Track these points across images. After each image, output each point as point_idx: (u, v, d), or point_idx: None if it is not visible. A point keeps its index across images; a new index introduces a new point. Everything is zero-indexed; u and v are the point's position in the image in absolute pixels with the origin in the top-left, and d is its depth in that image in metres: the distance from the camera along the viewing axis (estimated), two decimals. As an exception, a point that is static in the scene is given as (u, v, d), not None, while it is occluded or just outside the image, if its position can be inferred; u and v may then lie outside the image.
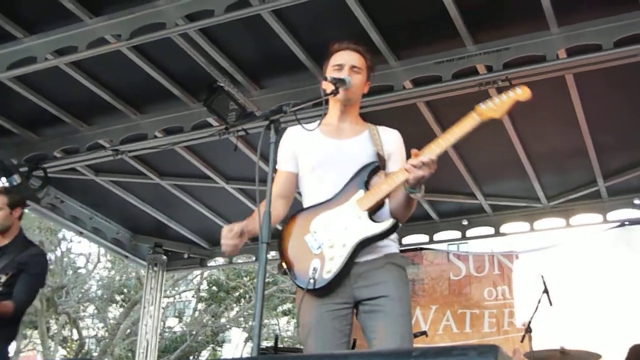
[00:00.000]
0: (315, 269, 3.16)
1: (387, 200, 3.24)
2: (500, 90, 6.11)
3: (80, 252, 25.61)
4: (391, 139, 3.46)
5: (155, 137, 7.06)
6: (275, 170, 3.45)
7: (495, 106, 3.14)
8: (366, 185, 3.25)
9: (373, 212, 3.20)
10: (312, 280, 3.14)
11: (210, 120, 6.79)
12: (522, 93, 3.16)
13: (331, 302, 3.20)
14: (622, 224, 8.59)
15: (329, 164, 3.35)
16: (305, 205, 3.38)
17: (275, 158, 3.06)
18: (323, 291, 3.18)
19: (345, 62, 3.46)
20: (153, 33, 5.58)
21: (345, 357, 2.44)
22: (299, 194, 3.52)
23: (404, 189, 3.15)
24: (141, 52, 6.20)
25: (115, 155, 7.26)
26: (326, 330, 3.19)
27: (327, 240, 3.20)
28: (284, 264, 3.28)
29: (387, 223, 3.18)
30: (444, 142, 3.11)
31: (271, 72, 6.53)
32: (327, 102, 3.38)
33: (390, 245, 3.32)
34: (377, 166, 3.28)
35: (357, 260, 3.20)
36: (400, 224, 3.23)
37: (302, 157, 3.45)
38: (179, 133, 6.98)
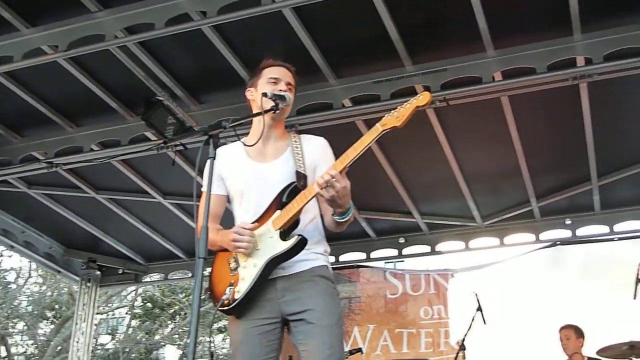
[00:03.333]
0: (228, 290, 3.20)
1: (301, 217, 3.24)
2: (437, 111, 6.28)
3: (10, 267, 25.02)
4: (315, 149, 3.45)
5: (92, 150, 6.95)
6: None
7: (398, 114, 3.13)
8: (284, 206, 3.23)
9: (288, 231, 3.20)
10: (225, 301, 3.20)
11: (148, 134, 6.71)
12: (422, 99, 3.14)
13: (256, 318, 3.22)
14: (554, 243, 8.78)
15: (252, 188, 3.36)
16: None
17: (212, 173, 3.04)
18: (234, 311, 3.24)
19: (281, 77, 3.49)
20: (91, 45, 5.50)
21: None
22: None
23: (331, 215, 3.21)
24: (79, 64, 6.11)
25: (50, 167, 7.11)
26: (253, 346, 3.21)
27: (243, 262, 3.23)
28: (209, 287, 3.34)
29: (292, 241, 3.17)
30: (350, 154, 3.10)
31: (211, 87, 6.50)
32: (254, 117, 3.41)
33: (318, 259, 3.33)
34: (295, 186, 3.26)
35: (284, 274, 3.23)
36: (307, 241, 3.19)
37: (229, 181, 3.46)
38: (115, 146, 6.88)
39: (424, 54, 5.84)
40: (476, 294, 6.73)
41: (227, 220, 3.48)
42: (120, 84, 6.46)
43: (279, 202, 3.24)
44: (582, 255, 8.71)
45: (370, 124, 6.57)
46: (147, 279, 10.96)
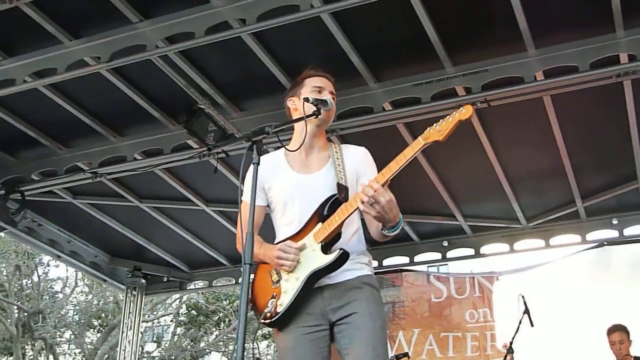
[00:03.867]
0: (270, 303, 3.22)
1: (344, 229, 3.25)
2: (479, 112, 6.23)
3: (57, 276, 25.38)
4: (355, 158, 3.47)
5: (135, 159, 7.02)
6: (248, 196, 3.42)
7: (440, 128, 3.07)
8: (326, 219, 3.24)
9: (330, 244, 3.21)
10: (268, 314, 3.22)
11: (190, 142, 6.76)
12: (464, 112, 3.07)
13: (306, 325, 3.23)
14: (601, 244, 8.65)
15: (295, 200, 3.37)
16: (276, 240, 3.40)
17: (256, 180, 3.05)
18: (277, 324, 3.26)
19: (324, 86, 3.51)
20: (133, 55, 5.55)
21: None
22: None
23: (380, 230, 3.19)
24: (121, 74, 6.18)
25: (94, 177, 7.20)
26: (304, 353, 3.22)
27: (285, 274, 3.25)
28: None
29: (333, 255, 3.17)
30: (393, 167, 3.09)
31: (251, 94, 6.53)
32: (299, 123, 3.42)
33: (363, 268, 3.35)
34: (336, 199, 3.27)
35: (330, 282, 3.23)
36: (349, 255, 3.20)
37: (271, 192, 3.46)
38: (158, 155, 6.94)
39: (464, 55, 5.80)
40: (523, 297, 6.66)
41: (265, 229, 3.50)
42: (161, 93, 6.51)
43: (320, 215, 3.26)
44: (629, 256, 8.57)
45: (411, 127, 6.59)
46: (192, 287, 11.05)
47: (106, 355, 22.98)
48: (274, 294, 3.25)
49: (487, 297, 9.27)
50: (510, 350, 6.50)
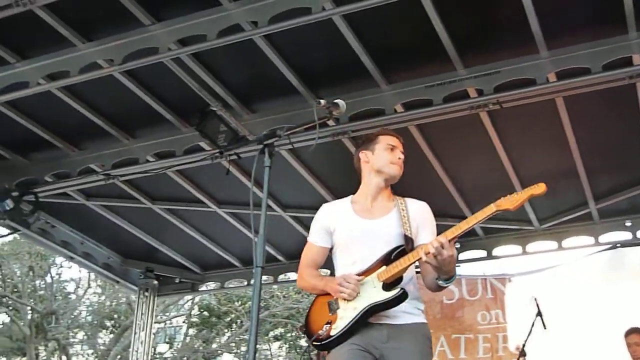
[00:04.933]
0: (325, 327, 3.43)
1: (405, 275, 3.45)
2: (491, 114, 6.21)
3: (70, 278, 25.49)
4: (419, 212, 3.71)
5: (147, 161, 7.05)
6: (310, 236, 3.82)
7: (513, 198, 3.40)
8: (391, 263, 3.44)
9: (391, 285, 3.40)
10: (320, 336, 3.44)
11: (202, 144, 6.79)
12: (537, 188, 3.39)
13: (360, 344, 3.40)
14: (614, 246, 8.59)
15: (360, 242, 3.58)
16: None
17: (268, 182, 3.09)
18: (327, 346, 3.45)
19: (397, 145, 3.78)
20: (145, 58, 5.58)
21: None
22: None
23: (435, 279, 3.41)
24: (133, 77, 6.21)
25: (107, 179, 7.24)
26: None
27: (344, 304, 3.44)
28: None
29: (394, 292, 3.38)
30: (462, 226, 3.33)
31: (263, 96, 6.54)
32: (321, 125, 3.51)
33: (420, 315, 3.60)
34: (402, 249, 3.47)
35: (391, 322, 3.43)
36: (408, 295, 3.42)
37: (336, 234, 3.69)
38: (170, 157, 6.97)
39: (476, 56, 5.79)
40: (535, 299, 6.64)
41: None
42: (174, 96, 6.54)
43: (387, 259, 3.45)
44: (643, 258, 8.52)
45: (423, 128, 6.58)
46: (204, 288, 11.06)
47: (119, 356, 23.06)
48: (330, 321, 3.44)
49: (499, 299, 9.22)
50: (522, 353, 6.48)
